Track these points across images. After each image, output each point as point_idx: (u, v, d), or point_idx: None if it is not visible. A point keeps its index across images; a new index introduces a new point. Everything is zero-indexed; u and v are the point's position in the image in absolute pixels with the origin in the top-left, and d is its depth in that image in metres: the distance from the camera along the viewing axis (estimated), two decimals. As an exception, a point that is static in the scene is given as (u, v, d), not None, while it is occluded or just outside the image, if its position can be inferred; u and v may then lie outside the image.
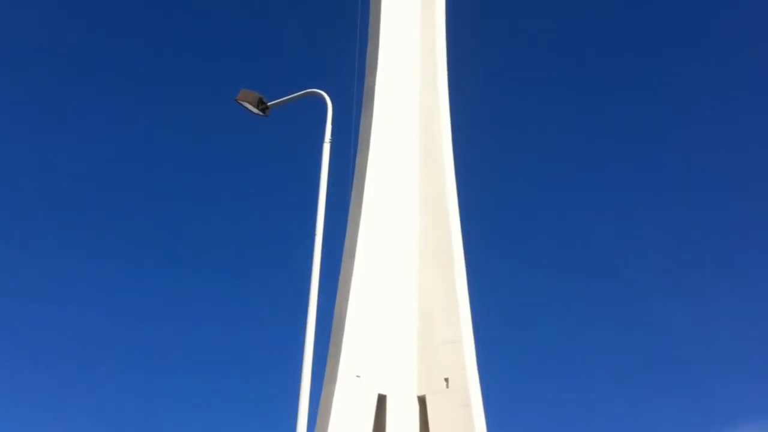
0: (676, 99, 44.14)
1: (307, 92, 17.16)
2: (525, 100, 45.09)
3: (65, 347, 37.76)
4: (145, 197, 43.06)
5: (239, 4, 48.11)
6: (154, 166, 44.12)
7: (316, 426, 15.20)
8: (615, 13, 47.62)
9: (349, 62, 19.23)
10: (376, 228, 17.03)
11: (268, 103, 17.25)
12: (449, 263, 16.86)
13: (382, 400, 15.93)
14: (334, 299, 16.61)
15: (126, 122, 44.44)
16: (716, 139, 43.84)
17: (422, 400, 16.14)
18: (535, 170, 43.21)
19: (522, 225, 41.58)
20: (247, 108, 17.13)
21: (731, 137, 43.51)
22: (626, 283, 39.95)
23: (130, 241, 41.71)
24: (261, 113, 17.21)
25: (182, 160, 44.49)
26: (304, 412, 13.63)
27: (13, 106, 42.76)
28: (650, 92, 44.61)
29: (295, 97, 17.37)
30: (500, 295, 34.77)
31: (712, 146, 43.92)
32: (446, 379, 15.95)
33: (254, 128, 44.89)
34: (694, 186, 43.02)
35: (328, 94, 16.76)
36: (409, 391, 16.21)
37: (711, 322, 38.31)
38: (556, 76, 45.95)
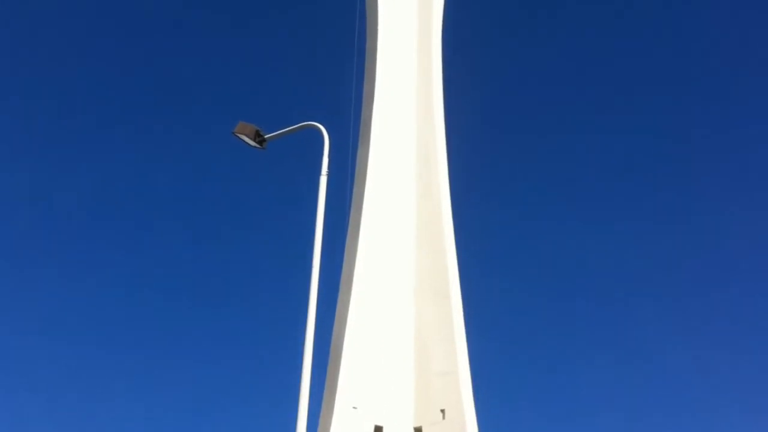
0: (674, 128, 44.36)
1: (304, 125, 17.30)
2: (520, 128, 45.36)
3: (60, 379, 37.69)
4: (141, 228, 43.08)
5: (236, 36, 48.44)
6: (151, 197, 44.17)
7: (314, 458, 15.22)
8: (610, 44, 47.98)
9: (346, 94, 19.38)
10: (372, 259, 17.10)
11: (266, 136, 17.37)
12: (445, 294, 16.92)
13: (378, 431, 15.94)
14: (331, 330, 16.67)
15: (123, 153, 44.60)
16: (712, 170, 43.99)
17: (419, 432, 16.17)
18: (531, 200, 43.38)
19: (519, 255, 41.64)
20: (244, 141, 17.26)
21: (728, 167, 43.66)
22: (624, 311, 40.00)
23: (125, 272, 41.70)
24: (258, 146, 17.34)
25: (179, 191, 44.57)
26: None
27: (7, 135, 42.88)
28: (646, 121, 44.81)
29: (292, 129, 17.51)
30: (497, 326, 34.80)
31: (708, 176, 44.06)
32: (442, 411, 15.96)
33: (252, 160, 45.08)
34: (689, 212, 43.18)
35: (325, 127, 16.89)
36: (405, 423, 16.22)
37: (705, 350, 38.33)
38: (551, 103, 46.21)
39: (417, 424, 16.20)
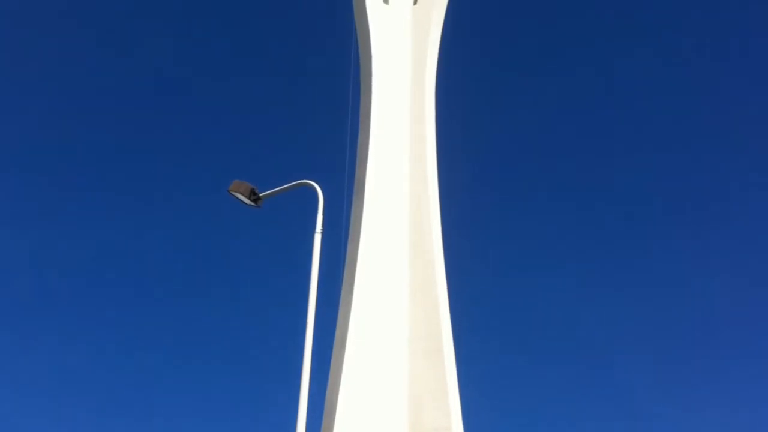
0: (663, 190, 44.72)
1: (299, 183, 17.45)
2: (515, 189, 45.59)
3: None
4: (136, 287, 43.09)
5: (231, 94, 48.80)
6: (146, 256, 44.22)
7: None
8: (601, 95, 48.48)
9: (341, 151, 19.57)
10: (366, 316, 17.20)
11: (260, 194, 17.52)
12: (439, 351, 16.99)
13: (373, 488, 15.94)
14: (325, 387, 16.71)
15: (118, 213, 44.73)
16: (703, 234, 44.33)
17: (413, 488, 16.16)
18: (523, 260, 43.48)
19: (511, 313, 41.67)
20: (239, 199, 17.40)
21: (718, 231, 44.04)
22: (614, 372, 39.99)
23: (120, 333, 41.63)
24: (253, 204, 17.48)
25: (174, 250, 44.65)
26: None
27: (6, 200, 43.10)
28: (637, 186, 45.24)
29: (286, 188, 17.66)
30: (489, 382, 34.76)
31: (698, 240, 44.38)
32: (437, 467, 15.99)
33: (246, 218, 45.25)
34: (680, 277, 43.35)
35: (319, 185, 17.05)
36: (399, 479, 16.23)
37: (696, 413, 38.30)
38: (544, 162, 46.51)
39: (411, 481, 16.21)
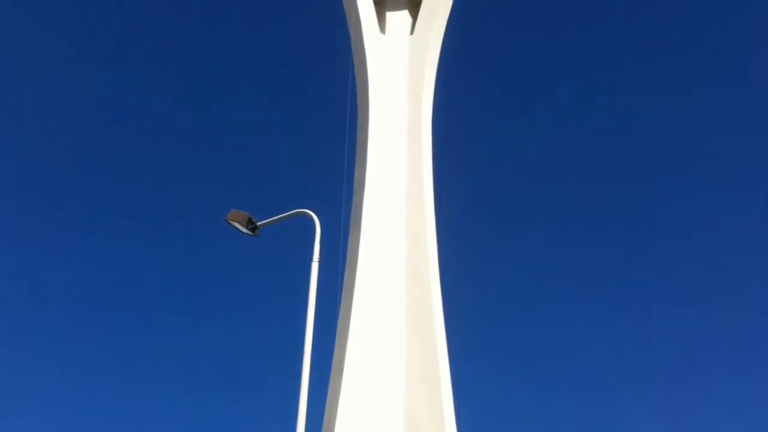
0: (660, 224, 44.94)
1: (296, 212, 17.52)
2: (511, 219, 45.70)
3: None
4: (134, 315, 43.10)
5: (229, 124, 48.93)
6: (144, 285, 44.27)
7: None
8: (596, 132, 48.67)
9: (338, 180, 19.65)
10: (363, 344, 17.23)
11: (258, 223, 17.58)
12: (436, 379, 17.03)
13: None
14: (323, 415, 16.73)
15: (116, 240, 44.78)
16: (696, 266, 44.49)
17: None
18: (519, 288, 43.57)
19: (508, 342, 41.73)
20: (237, 228, 17.46)
21: (711, 263, 44.21)
22: (610, 400, 40.00)
23: (118, 360, 41.62)
24: (250, 233, 17.55)
25: (172, 279, 44.68)
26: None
27: (5, 225, 43.20)
28: (634, 217, 45.42)
29: (283, 217, 17.72)
30: (486, 411, 34.71)
31: (693, 273, 44.55)
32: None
33: (244, 247, 45.32)
34: (675, 307, 43.48)
35: (316, 213, 17.11)
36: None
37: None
38: (543, 195, 46.64)
39: None
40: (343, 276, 18.24)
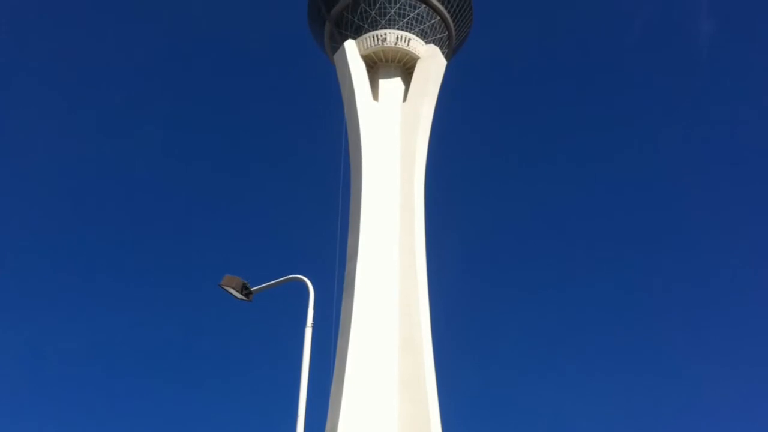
0: (656, 282, 45.13)
1: (290, 278, 17.55)
2: (505, 283, 45.91)
3: None
4: (129, 379, 43.14)
5: (223, 191, 49.21)
6: (140, 349, 44.36)
7: None
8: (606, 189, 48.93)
9: (331, 246, 19.77)
10: (356, 410, 17.26)
11: (252, 289, 17.59)
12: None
13: None
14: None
15: (113, 306, 44.98)
16: (695, 323, 44.59)
17: None
18: (510, 353, 43.73)
19: (501, 406, 41.81)
20: (231, 293, 17.47)
21: (709, 317, 44.30)
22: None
23: (113, 425, 41.52)
24: (245, 298, 17.55)
25: (167, 343, 44.80)
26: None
27: (7, 290, 43.34)
28: (630, 276, 45.68)
29: (277, 282, 17.74)
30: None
31: (688, 330, 44.68)
32: None
33: (238, 312, 45.57)
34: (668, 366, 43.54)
35: (310, 279, 17.14)
36: None
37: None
38: (533, 257, 46.88)
39: None
40: (336, 341, 18.31)
